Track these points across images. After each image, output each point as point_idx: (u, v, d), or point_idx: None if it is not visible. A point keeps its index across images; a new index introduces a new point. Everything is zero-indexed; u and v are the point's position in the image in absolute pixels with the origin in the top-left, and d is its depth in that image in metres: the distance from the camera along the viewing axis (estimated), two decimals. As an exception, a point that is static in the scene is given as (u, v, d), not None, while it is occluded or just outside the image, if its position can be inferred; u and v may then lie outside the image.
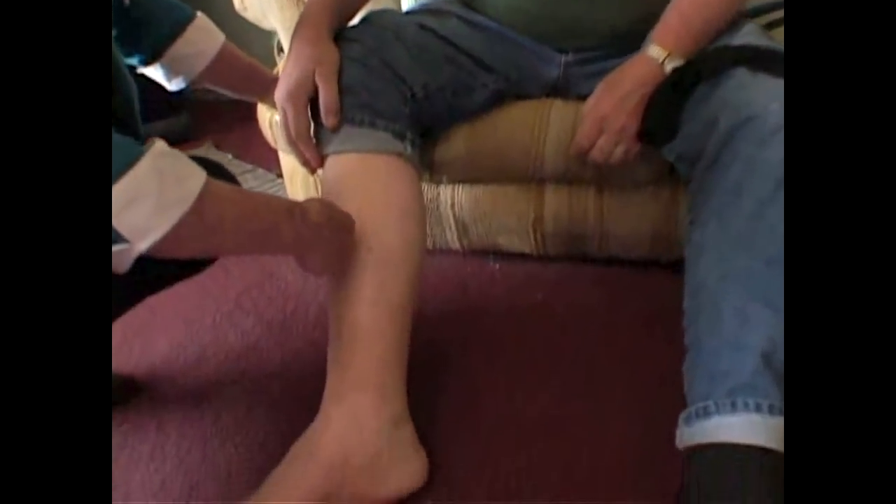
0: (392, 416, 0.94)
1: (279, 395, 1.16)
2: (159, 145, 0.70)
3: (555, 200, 1.30)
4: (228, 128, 2.27)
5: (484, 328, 1.27)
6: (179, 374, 1.23)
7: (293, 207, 0.86)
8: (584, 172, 1.24)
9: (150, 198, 0.67)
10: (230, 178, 1.10)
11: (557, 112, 1.22)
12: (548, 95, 1.26)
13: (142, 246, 0.67)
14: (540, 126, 1.22)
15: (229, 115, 2.31)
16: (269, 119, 1.35)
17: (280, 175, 1.88)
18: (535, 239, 1.35)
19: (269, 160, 1.91)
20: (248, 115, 2.15)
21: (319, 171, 1.07)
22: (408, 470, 0.95)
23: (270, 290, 1.42)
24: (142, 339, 1.33)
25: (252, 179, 1.96)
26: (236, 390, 1.18)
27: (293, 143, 1.05)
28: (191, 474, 1.04)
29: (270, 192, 1.87)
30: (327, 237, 0.90)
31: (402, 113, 1.06)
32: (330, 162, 1.04)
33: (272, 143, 1.40)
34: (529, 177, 1.27)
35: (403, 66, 1.07)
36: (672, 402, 0.92)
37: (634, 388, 1.11)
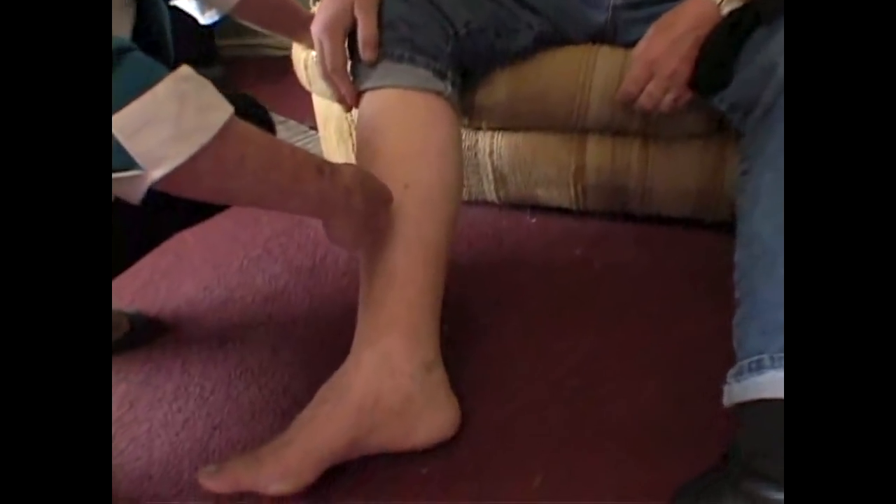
0: (425, 361, 0.90)
1: (306, 339, 1.12)
2: (184, 69, 0.65)
3: (598, 151, 1.25)
4: (261, 81, 2.23)
5: (519, 282, 1.22)
6: (205, 315, 1.20)
7: (323, 165, 0.79)
8: (629, 122, 1.19)
9: (167, 122, 0.62)
10: (270, 124, 1.05)
11: (604, 58, 1.16)
12: (594, 42, 1.20)
13: (156, 174, 0.63)
14: (585, 72, 1.16)
15: (261, 70, 2.27)
16: (304, 59, 1.31)
17: (313, 127, 1.84)
18: (576, 191, 1.29)
19: (301, 112, 1.87)
20: (280, 70, 2.13)
21: (354, 113, 1.02)
22: (439, 418, 0.91)
23: (300, 238, 1.38)
24: (168, 281, 1.30)
25: (284, 131, 1.92)
26: (262, 333, 1.15)
27: (329, 78, 1.01)
28: (214, 415, 1.01)
29: (303, 144, 1.83)
30: (358, 205, 0.82)
31: (444, 51, 1.01)
32: (367, 98, 1.00)
33: (306, 86, 1.36)
34: (572, 126, 1.22)
35: (446, 2, 1.03)
36: (711, 362, 0.89)
37: (672, 346, 1.06)
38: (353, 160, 1.39)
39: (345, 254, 1.31)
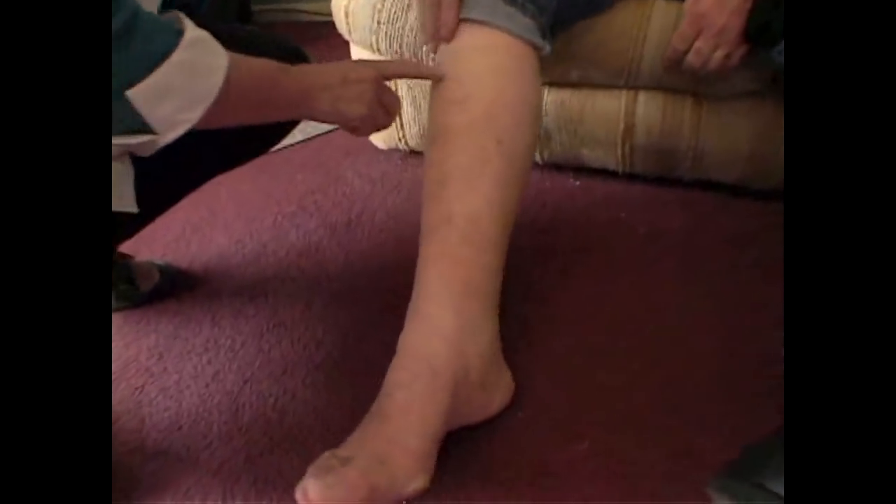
0: (497, 327, 0.86)
1: (340, 294, 1.08)
2: (190, 34, 0.67)
3: (648, 110, 1.19)
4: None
5: (562, 244, 1.17)
6: (236, 269, 1.17)
7: (332, 81, 0.83)
8: (680, 80, 1.13)
9: (180, 93, 0.67)
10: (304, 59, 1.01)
11: (660, 11, 1.11)
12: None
13: (169, 137, 0.68)
14: (640, 26, 1.11)
15: (295, 35, 2.23)
16: (346, 6, 1.26)
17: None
18: (623, 152, 1.24)
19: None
20: (314, 35, 2.09)
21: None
22: (506, 385, 0.87)
23: (335, 195, 1.34)
24: (200, 234, 1.27)
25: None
26: (295, 288, 1.11)
27: (432, 2, 0.91)
28: (244, 368, 0.98)
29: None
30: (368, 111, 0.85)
31: (551, 5, 0.94)
32: (470, 30, 0.89)
33: (345, 34, 1.31)
34: (624, 82, 1.17)
35: None
36: (761, 329, 0.87)
37: (719, 314, 1.01)
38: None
39: (382, 211, 1.27)
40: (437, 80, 0.89)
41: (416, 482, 0.74)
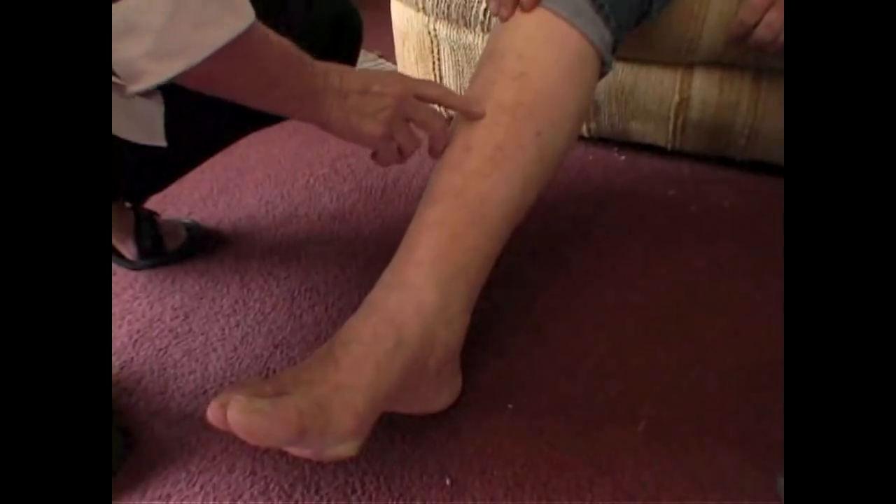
0: (468, 323, 0.79)
1: (375, 259, 1.02)
2: None
3: (705, 83, 1.13)
4: None
5: (609, 219, 1.12)
6: (267, 231, 1.12)
7: (351, 88, 0.73)
8: (743, 58, 1.07)
9: (150, 34, 0.54)
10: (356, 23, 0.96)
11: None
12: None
13: (133, 89, 0.57)
14: (701, 2, 1.04)
15: None
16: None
17: (382, 56, 1.74)
18: (674, 127, 1.18)
19: (369, 42, 1.76)
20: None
21: (440, 29, 0.88)
22: (454, 387, 0.81)
23: (369, 159, 1.27)
24: (228, 195, 1.22)
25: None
26: (328, 251, 1.06)
27: None
28: (275, 332, 0.93)
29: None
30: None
31: (628, 25, 0.88)
32: (548, 16, 0.81)
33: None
34: (681, 58, 1.11)
35: None
36: None
37: (765, 305, 0.94)
38: (431, 76, 1.30)
39: (419, 178, 1.22)
40: (469, 115, 0.80)
41: (346, 445, 0.66)
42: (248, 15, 0.59)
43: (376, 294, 0.75)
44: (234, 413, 0.59)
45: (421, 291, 0.73)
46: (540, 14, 0.81)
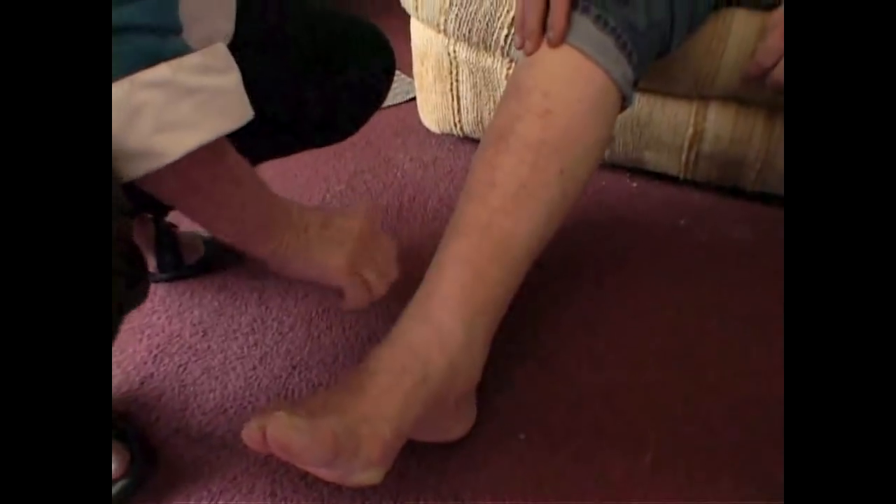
0: (486, 359, 0.81)
1: (394, 283, 1.04)
2: (188, 60, 0.54)
3: (719, 117, 1.15)
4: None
5: (620, 246, 1.14)
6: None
7: (311, 221, 0.73)
8: (758, 95, 1.09)
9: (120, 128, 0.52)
10: (388, 53, 0.98)
11: (740, 22, 1.06)
12: (729, 3, 1.09)
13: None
14: (719, 37, 1.06)
15: (341, 2, 2.18)
16: (414, -15, 1.22)
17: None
18: (687, 158, 1.20)
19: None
20: (360, 4, 2.03)
21: (469, 56, 0.90)
22: (469, 419, 0.83)
23: (386, 176, 1.30)
24: (245, 207, 1.23)
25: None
26: (346, 272, 1.08)
27: (538, 0, 0.84)
28: (293, 353, 0.95)
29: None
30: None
31: (649, 62, 0.91)
32: (573, 54, 0.82)
33: (411, 10, 1.26)
34: (697, 92, 1.13)
35: None
36: None
37: (774, 336, 0.96)
38: (449, 98, 1.31)
39: (434, 198, 1.24)
40: None
41: (371, 473, 0.69)
42: (218, 123, 0.57)
43: (403, 325, 0.77)
44: (274, 429, 0.62)
45: (446, 326, 0.76)
46: (565, 51, 0.83)
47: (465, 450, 0.82)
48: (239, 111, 0.59)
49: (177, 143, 0.54)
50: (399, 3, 1.30)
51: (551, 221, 0.83)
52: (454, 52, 1.25)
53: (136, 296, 0.59)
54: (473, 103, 1.29)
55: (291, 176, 1.31)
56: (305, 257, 0.73)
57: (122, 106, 0.50)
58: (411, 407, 0.71)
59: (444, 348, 0.74)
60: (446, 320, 0.76)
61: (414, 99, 1.45)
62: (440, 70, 1.29)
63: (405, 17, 1.33)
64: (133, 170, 0.53)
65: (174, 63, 0.52)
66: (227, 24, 0.76)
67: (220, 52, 0.58)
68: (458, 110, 1.32)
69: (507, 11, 1.15)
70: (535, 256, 0.83)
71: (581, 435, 0.84)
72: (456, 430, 0.81)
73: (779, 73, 0.98)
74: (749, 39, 1.05)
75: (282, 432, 0.62)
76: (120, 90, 0.50)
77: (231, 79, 0.59)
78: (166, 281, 1.07)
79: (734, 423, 0.85)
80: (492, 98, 1.26)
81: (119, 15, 0.49)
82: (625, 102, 0.88)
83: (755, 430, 0.83)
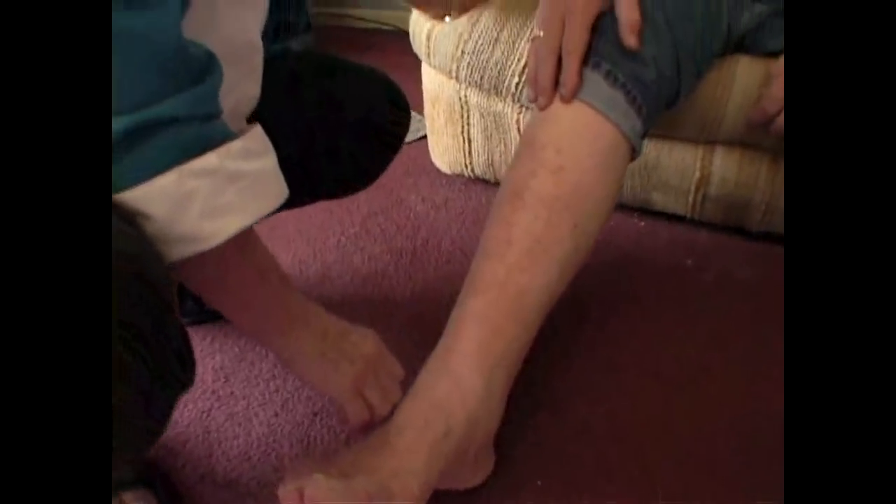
0: (503, 411, 0.84)
1: (409, 327, 1.08)
2: (233, 146, 0.56)
3: (725, 161, 1.18)
4: (344, 53, 2.18)
5: (628, 285, 1.17)
6: (301, 291, 1.16)
7: (324, 330, 0.76)
8: (762, 139, 1.12)
9: (155, 221, 0.54)
10: (403, 104, 1.01)
11: (745, 69, 1.09)
12: (734, 50, 1.12)
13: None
14: (724, 85, 1.09)
15: (345, 41, 2.22)
16: (428, 30, 1.25)
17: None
18: (694, 200, 1.23)
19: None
20: (364, 43, 2.06)
21: (476, 99, 0.93)
22: (487, 467, 0.86)
23: (399, 218, 1.33)
24: (261, 250, 1.26)
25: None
26: (362, 316, 1.08)
27: (548, 60, 0.87)
28: (314, 399, 0.97)
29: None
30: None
31: (658, 114, 0.94)
32: (584, 110, 0.86)
33: (424, 57, 1.30)
34: (703, 137, 1.16)
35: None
36: None
37: (779, 374, 0.99)
38: (460, 140, 1.34)
39: (448, 240, 1.27)
40: None
41: None
42: (250, 211, 0.59)
43: (425, 380, 0.80)
44: (312, 490, 0.65)
45: (466, 382, 0.79)
46: (577, 107, 0.86)
47: (483, 497, 0.84)
48: (276, 192, 0.62)
49: (222, 228, 0.56)
50: (411, 45, 1.33)
51: (563, 276, 0.85)
52: (465, 96, 1.28)
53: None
54: (484, 146, 1.32)
55: (306, 217, 1.34)
56: (318, 366, 0.77)
57: (172, 194, 0.53)
58: (436, 459, 0.74)
59: (464, 402, 0.77)
60: (466, 375, 0.79)
61: (424, 137, 1.48)
62: (451, 113, 1.33)
63: (417, 59, 1.37)
64: (179, 252, 0.55)
65: (221, 151, 0.55)
66: (256, 88, 0.79)
67: (259, 136, 0.61)
68: (469, 153, 1.35)
69: (518, 60, 1.18)
70: (548, 310, 0.86)
71: (595, 480, 0.86)
72: (475, 478, 0.84)
73: (781, 120, 1.01)
74: (753, 86, 1.08)
75: (321, 493, 0.65)
76: (169, 180, 0.52)
77: (269, 161, 0.62)
78: (188, 326, 1.09)
79: (740, 463, 0.87)
80: (502, 141, 1.30)
81: (162, 108, 0.51)
82: (634, 154, 0.91)
83: (763, 470, 0.85)
